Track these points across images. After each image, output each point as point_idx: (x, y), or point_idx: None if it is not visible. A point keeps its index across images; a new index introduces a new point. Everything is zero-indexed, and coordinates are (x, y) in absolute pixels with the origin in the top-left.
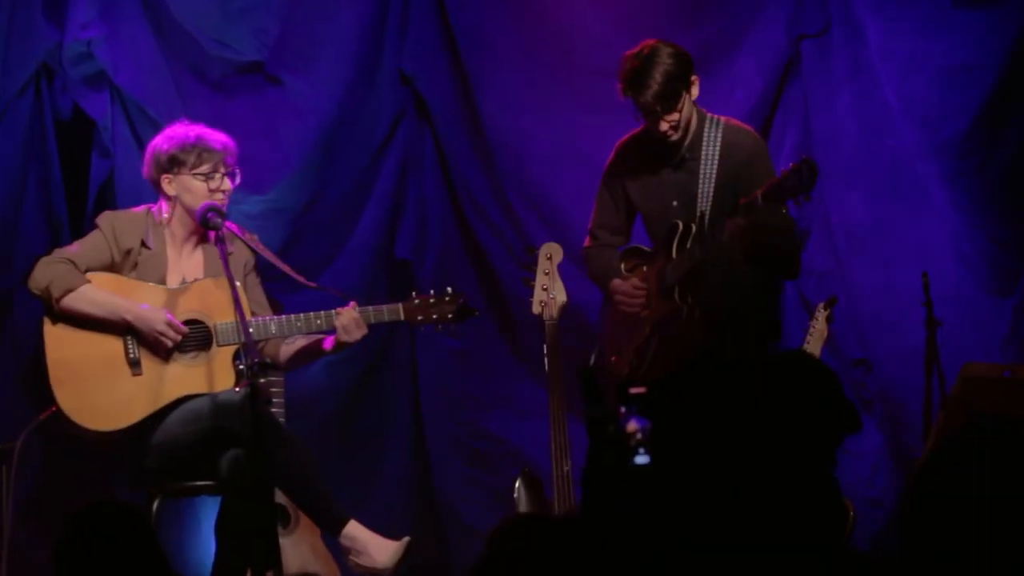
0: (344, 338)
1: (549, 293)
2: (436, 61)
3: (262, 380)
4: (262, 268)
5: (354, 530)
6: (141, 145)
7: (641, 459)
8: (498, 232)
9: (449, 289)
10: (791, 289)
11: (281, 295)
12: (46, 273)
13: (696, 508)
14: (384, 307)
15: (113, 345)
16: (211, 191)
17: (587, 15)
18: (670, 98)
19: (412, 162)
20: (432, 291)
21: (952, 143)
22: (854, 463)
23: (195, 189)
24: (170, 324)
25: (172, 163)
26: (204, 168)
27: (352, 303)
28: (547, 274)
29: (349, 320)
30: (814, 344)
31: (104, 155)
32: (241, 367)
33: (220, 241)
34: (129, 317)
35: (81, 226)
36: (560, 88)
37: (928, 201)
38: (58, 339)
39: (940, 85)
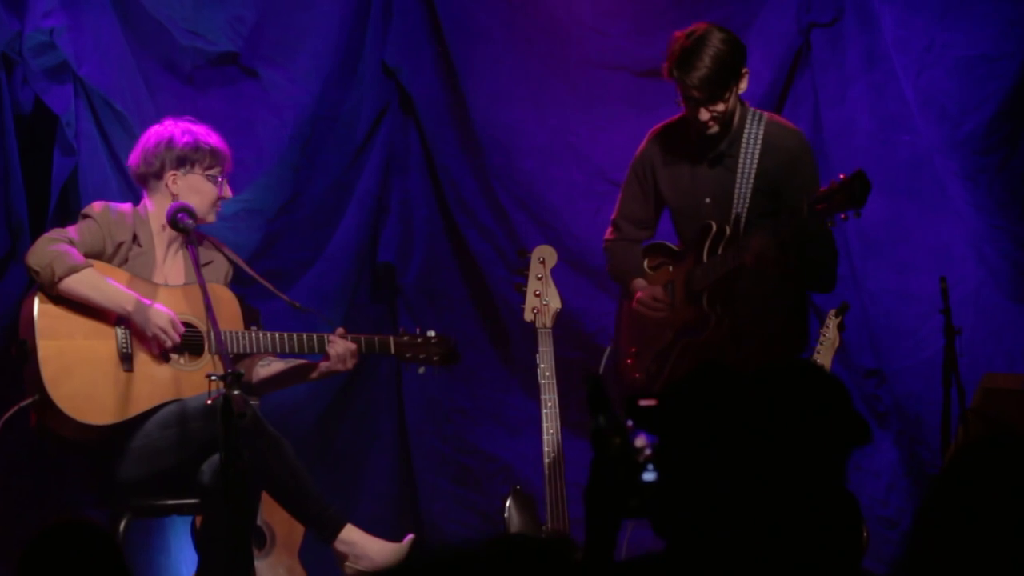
0: (337, 367)
1: (542, 299)
2: (421, 52)
3: (236, 392)
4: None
5: (351, 534)
6: (107, 141)
7: (649, 476)
8: (488, 234)
9: (431, 333)
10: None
11: (254, 301)
12: (49, 251)
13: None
14: (376, 338)
15: (105, 337)
16: (219, 197)
17: (584, 2)
18: (717, 85)
19: (396, 160)
20: (419, 330)
21: (972, 138)
22: (867, 481)
23: (205, 191)
24: (173, 324)
25: (184, 160)
26: (215, 171)
27: (340, 329)
28: (540, 279)
29: (346, 350)
30: (825, 354)
31: (67, 152)
32: (214, 378)
33: (191, 243)
34: (131, 309)
35: (42, 227)
36: (554, 80)
37: (947, 200)
38: (50, 321)
39: (959, 77)
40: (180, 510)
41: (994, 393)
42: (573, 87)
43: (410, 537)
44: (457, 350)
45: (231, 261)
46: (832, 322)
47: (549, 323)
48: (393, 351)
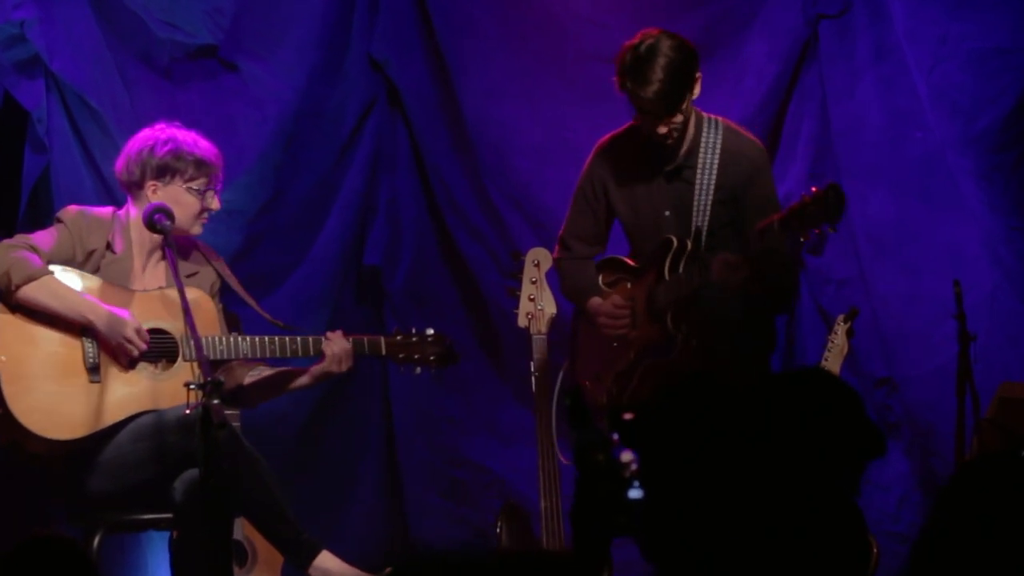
0: (332, 368)
1: (536, 304)
2: (410, 45)
3: (216, 401)
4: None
5: (327, 561)
6: (80, 138)
7: (636, 492)
8: (479, 236)
9: (429, 331)
10: (807, 300)
11: (235, 307)
12: (7, 258)
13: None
14: (365, 339)
15: (70, 347)
16: (203, 209)
17: None
18: (674, 98)
19: (383, 158)
20: (414, 329)
21: (987, 134)
22: (878, 495)
23: (186, 203)
24: (138, 332)
25: (164, 170)
26: (198, 183)
27: (338, 332)
28: (534, 283)
29: (342, 349)
30: (833, 361)
31: (38, 150)
32: (192, 386)
33: (169, 246)
34: (92, 318)
35: (13, 229)
36: (550, 75)
37: (960, 200)
38: (10, 333)
39: (974, 70)
40: (157, 525)
41: (1010, 402)
42: (570, 82)
43: (386, 572)
44: (454, 349)
45: (219, 274)
46: (841, 328)
47: (544, 329)
48: (385, 352)
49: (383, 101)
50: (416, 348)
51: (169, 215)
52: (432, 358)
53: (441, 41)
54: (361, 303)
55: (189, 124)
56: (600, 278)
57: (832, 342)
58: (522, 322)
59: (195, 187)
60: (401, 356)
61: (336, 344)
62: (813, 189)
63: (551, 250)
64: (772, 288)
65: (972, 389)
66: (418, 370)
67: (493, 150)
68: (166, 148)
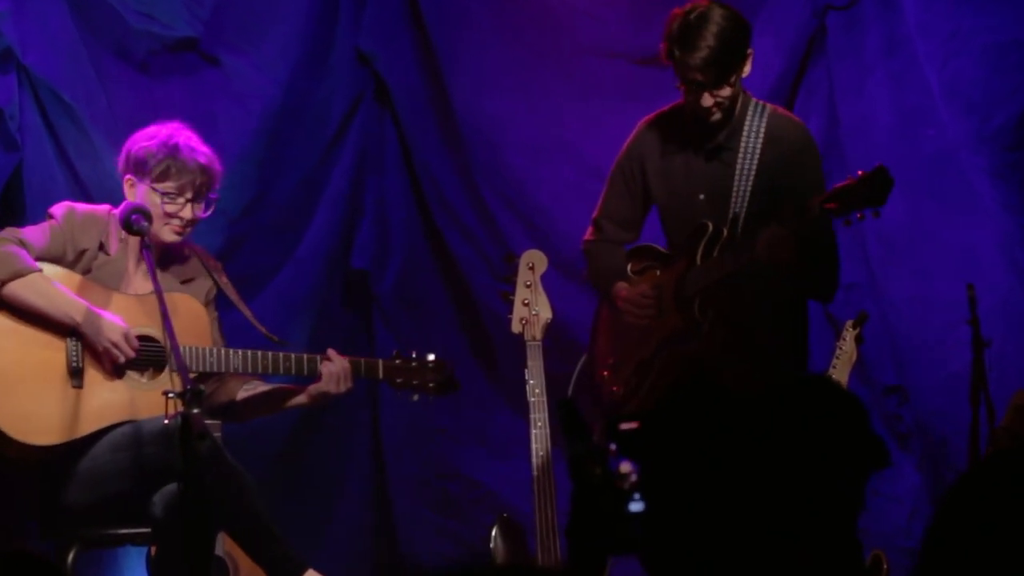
0: (330, 388)
1: (531, 309)
2: (399, 38)
3: (196, 410)
4: None
5: None
6: (54, 135)
7: (636, 506)
8: (471, 237)
9: (431, 357)
10: (814, 304)
11: (221, 313)
12: None
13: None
14: (362, 361)
15: (54, 349)
16: (166, 214)
17: None
18: (722, 67)
19: (371, 156)
20: (415, 353)
21: (1003, 132)
22: (889, 508)
23: (151, 205)
24: (127, 338)
25: (137, 166)
26: (166, 185)
27: (331, 350)
28: (529, 286)
29: (342, 369)
30: (841, 368)
31: (10, 147)
32: (171, 395)
33: (147, 248)
34: (79, 320)
35: None
36: (545, 69)
37: (974, 200)
38: None
39: (989, 65)
40: (134, 540)
41: None
42: (566, 77)
43: None
44: (455, 377)
45: (216, 283)
46: (849, 334)
47: (539, 335)
48: (382, 376)
49: (370, 96)
50: (415, 374)
51: (147, 216)
52: (431, 385)
53: (431, 34)
54: (348, 308)
55: (167, 120)
56: (629, 266)
57: (840, 349)
58: (516, 328)
59: (160, 189)
60: (399, 381)
61: (336, 364)
62: (859, 172)
63: (546, 252)
64: (815, 272)
65: (987, 397)
66: (415, 397)
67: (486, 147)
68: (146, 143)
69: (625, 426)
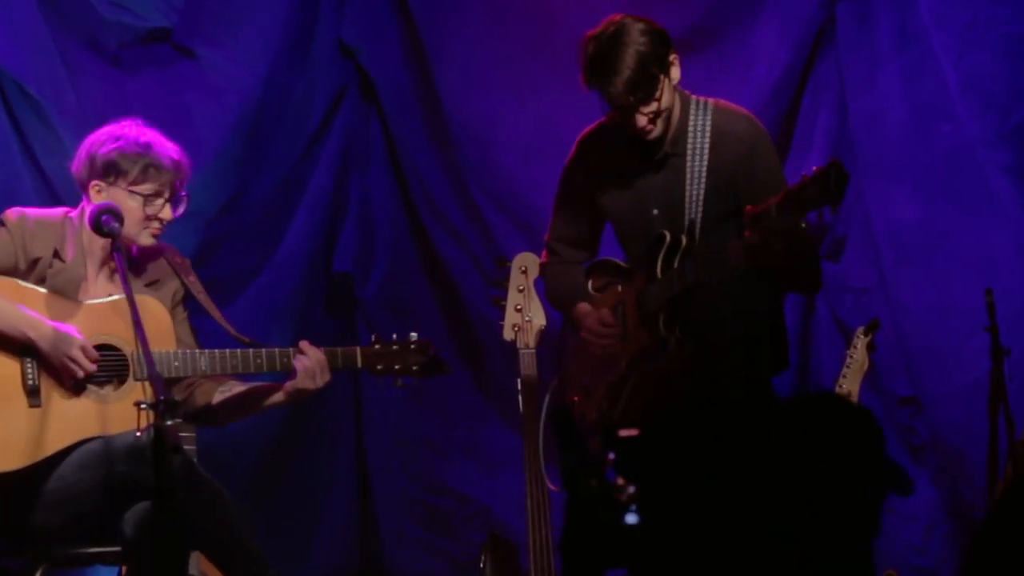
0: (306, 384)
1: (524, 315)
2: (385, 29)
3: (169, 423)
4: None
5: None
6: (19, 130)
7: (632, 518)
8: (461, 240)
9: (414, 335)
10: (823, 309)
11: (194, 319)
12: None
13: None
14: (338, 350)
15: (8, 367)
16: (147, 217)
17: None
18: (645, 85)
19: (355, 153)
20: (395, 336)
21: (1022, 129)
22: (902, 526)
23: (128, 209)
24: (84, 350)
25: (109, 170)
26: (145, 188)
27: (304, 342)
28: (521, 291)
29: (316, 362)
30: (852, 378)
31: None
32: (143, 405)
33: (118, 250)
34: (33, 335)
35: None
36: (538, 63)
37: (992, 200)
38: None
39: (1007, 58)
40: (104, 559)
41: None
42: (560, 71)
43: None
44: (440, 357)
45: (184, 284)
46: (860, 342)
47: (532, 342)
48: (361, 364)
49: (354, 91)
50: (397, 357)
51: (118, 217)
52: (415, 368)
53: (419, 25)
54: (331, 313)
55: (140, 116)
56: (590, 283)
57: (851, 357)
58: (508, 335)
59: (139, 192)
60: (380, 367)
61: (310, 356)
62: (814, 168)
63: (540, 255)
64: (792, 263)
65: (1006, 409)
66: (399, 382)
67: (475, 144)
68: (114, 145)
69: (624, 433)
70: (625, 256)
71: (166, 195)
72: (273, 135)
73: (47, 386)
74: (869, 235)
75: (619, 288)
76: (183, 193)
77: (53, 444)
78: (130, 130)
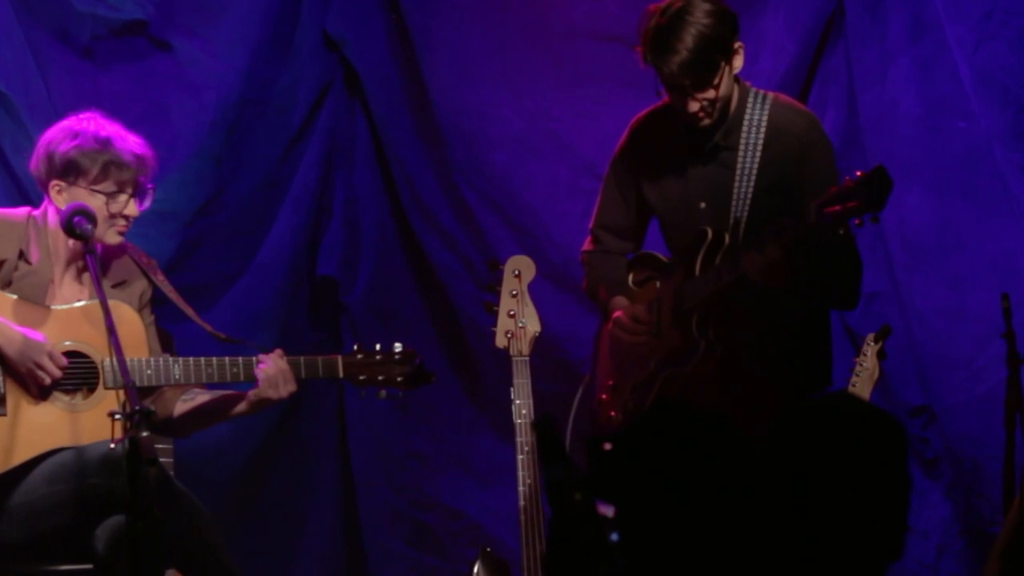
0: (269, 393)
1: (517, 321)
2: (371, 19)
3: (145, 433)
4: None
5: None
6: None
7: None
8: (451, 242)
9: (398, 346)
10: (832, 316)
11: (168, 323)
12: None
13: None
14: (319, 359)
15: None
16: (111, 215)
17: None
18: (704, 70)
19: (339, 151)
20: (379, 346)
21: None
22: (914, 543)
23: (92, 208)
24: (51, 356)
25: (68, 169)
26: (106, 185)
27: (278, 350)
28: (515, 296)
29: (277, 371)
30: (862, 386)
31: None
32: (117, 416)
33: (91, 253)
34: (1, 341)
35: None
36: (533, 55)
37: (1009, 201)
38: None
39: None
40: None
41: None
42: (556, 63)
43: None
44: (426, 368)
45: (152, 283)
46: (871, 349)
47: (526, 350)
48: (342, 374)
49: (339, 85)
50: (380, 368)
51: (91, 218)
52: (400, 379)
53: (406, 15)
54: (314, 320)
55: (114, 112)
56: (631, 277)
57: (861, 365)
58: (500, 342)
59: (101, 190)
60: (362, 378)
61: (271, 366)
62: (857, 173)
63: (534, 257)
64: (824, 276)
65: (1023, 419)
66: (383, 394)
67: (466, 141)
68: (68, 144)
69: (609, 447)
70: (668, 250)
71: (129, 191)
72: (253, 132)
73: (14, 394)
74: (879, 238)
75: (658, 284)
76: (149, 186)
77: (21, 454)
78: (88, 125)
